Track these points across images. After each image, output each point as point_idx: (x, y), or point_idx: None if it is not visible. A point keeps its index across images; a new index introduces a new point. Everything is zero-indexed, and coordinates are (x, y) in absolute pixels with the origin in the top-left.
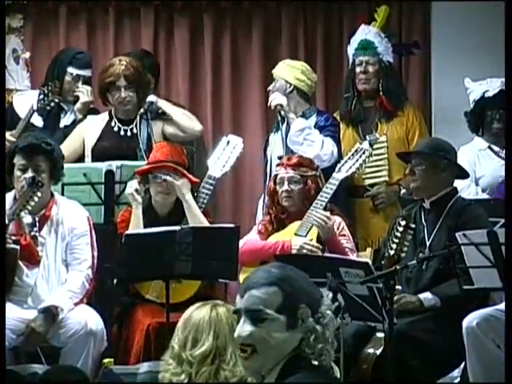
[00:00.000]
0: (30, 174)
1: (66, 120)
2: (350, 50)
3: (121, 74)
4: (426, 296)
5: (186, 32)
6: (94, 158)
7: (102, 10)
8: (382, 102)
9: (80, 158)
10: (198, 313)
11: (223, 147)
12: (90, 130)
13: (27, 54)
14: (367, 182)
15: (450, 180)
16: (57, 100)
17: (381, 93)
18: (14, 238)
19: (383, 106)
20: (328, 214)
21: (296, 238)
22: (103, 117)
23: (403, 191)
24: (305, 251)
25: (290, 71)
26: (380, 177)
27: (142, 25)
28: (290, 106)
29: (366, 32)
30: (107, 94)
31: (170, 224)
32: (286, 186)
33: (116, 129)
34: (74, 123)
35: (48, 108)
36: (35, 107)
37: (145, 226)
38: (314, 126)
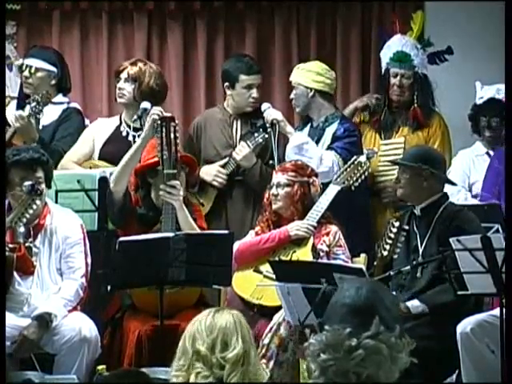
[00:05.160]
0: (26, 182)
1: (43, 120)
2: (384, 58)
3: (127, 68)
4: (414, 303)
5: (179, 35)
6: (101, 160)
7: (95, 14)
8: (415, 114)
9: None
10: (222, 317)
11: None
12: (99, 132)
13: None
14: (378, 179)
15: (437, 187)
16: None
17: (415, 105)
18: (10, 245)
19: (417, 118)
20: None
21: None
22: (113, 120)
23: None
24: (301, 233)
25: (306, 75)
26: (390, 175)
27: (135, 29)
28: (314, 110)
29: (402, 43)
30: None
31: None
32: (273, 190)
33: (124, 133)
34: (51, 125)
35: (38, 116)
36: (26, 113)
37: (147, 222)
38: (333, 135)
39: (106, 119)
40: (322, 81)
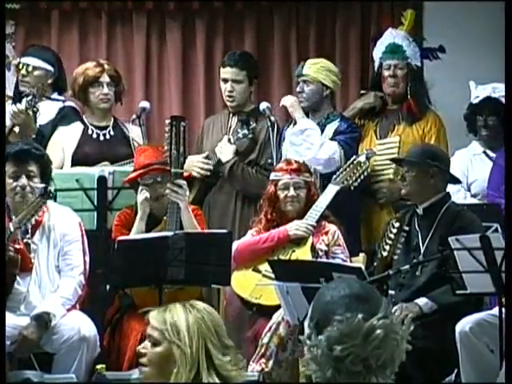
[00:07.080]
0: (39, 184)
1: (40, 119)
2: (377, 53)
3: (105, 71)
4: (423, 301)
5: (179, 35)
6: (75, 165)
7: (94, 14)
8: (409, 106)
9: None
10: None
11: None
12: (66, 138)
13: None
14: (374, 179)
15: (441, 186)
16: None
17: (409, 97)
18: (16, 246)
19: (411, 110)
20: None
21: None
22: (76, 126)
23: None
24: (301, 233)
25: (326, 74)
26: (385, 174)
27: (134, 29)
28: (321, 107)
29: (393, 35)
30: (88, 91)
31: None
32: (292, 192)
33: (95, 136)
34: (49, 124)
35: (35, 109)
36: (23, 106)
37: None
38: (335, 130)
39: (66, 127)
40: (336, 81)
